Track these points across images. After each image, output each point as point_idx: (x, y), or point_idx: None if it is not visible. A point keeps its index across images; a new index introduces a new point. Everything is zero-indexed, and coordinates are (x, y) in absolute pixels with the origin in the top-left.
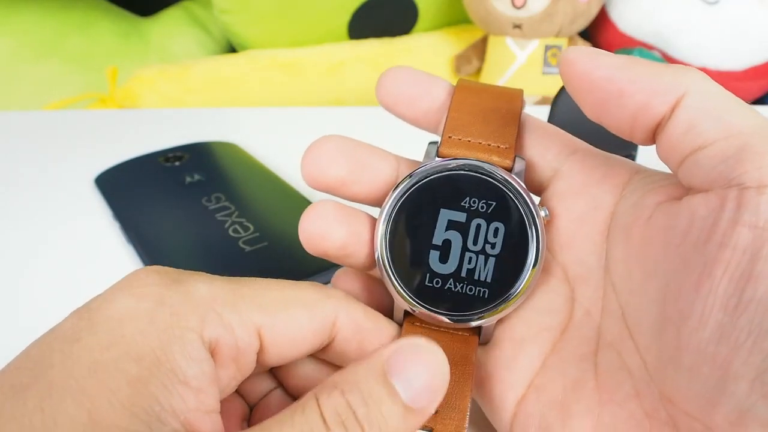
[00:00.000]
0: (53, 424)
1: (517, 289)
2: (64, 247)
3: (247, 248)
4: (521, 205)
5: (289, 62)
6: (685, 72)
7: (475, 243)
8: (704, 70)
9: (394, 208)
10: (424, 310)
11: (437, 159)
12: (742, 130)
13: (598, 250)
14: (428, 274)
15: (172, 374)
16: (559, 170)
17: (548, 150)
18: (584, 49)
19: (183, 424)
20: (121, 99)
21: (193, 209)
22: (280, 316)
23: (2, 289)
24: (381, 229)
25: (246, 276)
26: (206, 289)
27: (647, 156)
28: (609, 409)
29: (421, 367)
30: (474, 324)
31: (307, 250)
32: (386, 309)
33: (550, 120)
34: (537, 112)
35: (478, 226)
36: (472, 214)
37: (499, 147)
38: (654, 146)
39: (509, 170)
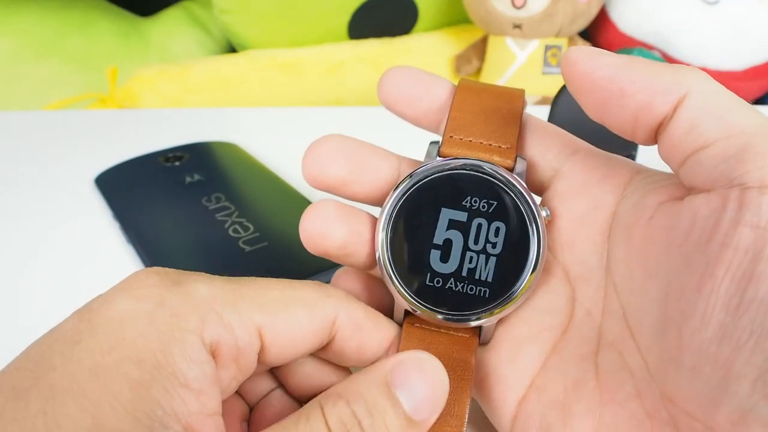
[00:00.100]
0: (56, 426)
1: (518, 289)
2: (64, 247)
3: (247, 248)
4: (522, 205)
5: (289, 62)
6: (686, 72)
7: (476, 242)
8: (704, 70)
9: (394, 207)
10: (425, 310)
11: (438, 159)
12: (743, 130)
13: (599, 250)
14: (429, 274)
15: (173, 377)
16: (560, 170)
17: (549, 150)
18: (586, 49)
19: (185, 427)
20: (121, 99)
21: (193, 209)
22: (280, 316)
23: (2, 289)
24: (382, 228)
25: (246, 276)
26: (206, 290)
27: (647, 156)
28: (610, 409)
29: (423, 380)
30: (474, 324)
31: (308, 249)
32: (387, 309)
33: (550, 120)
34: (537, 112)
35: (479, 226)
36: (473, 214)
37: (500, 147)
38: (654, 146)
39: (510, 170)
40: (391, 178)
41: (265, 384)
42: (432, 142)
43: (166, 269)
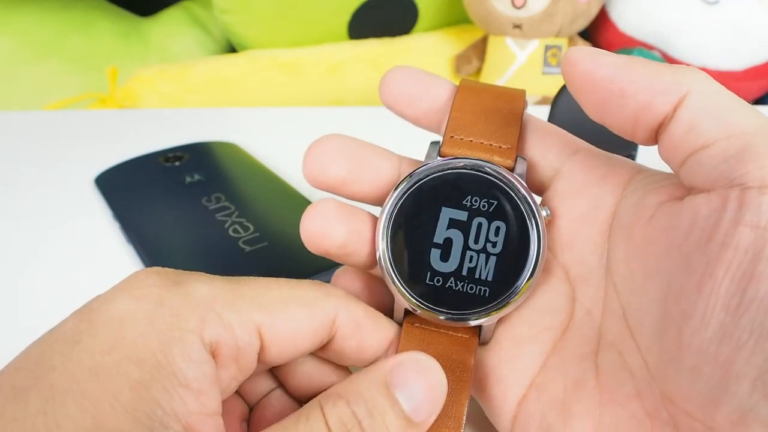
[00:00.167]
0: (56, 426)
1: (518, 288)
2: (64, 247)
3: (247, 248)
4: (523, 205)
5: (289, 62)
6: (687, 72)
7: (476, 242)
8: (704, 70)
9: (395, 206)
10: (425, 309)
11: (439, 158)
12: (744, 130)
13: (599, 249)
14: (429, 273)
15: (173, 377)
16: (561, 170)
17: (549, 150)
18: (586, 49)
19: (185, 427)
20: (121, 99)
21: (193, 209)
22: (280, 315)
23: (2, 289)
24: (382, 227)
25: (246, 276)
26: (206, 290)
27: (647, 156)
28: (610, 409)
29: (421, 381)
30: (474, 323)
31: (309, 248)
32: (386, 308)
33: (550, 120)
34: (537, 112)
35: (480, 225)
36: (473, 213)
37: (500, 147)
38: (654, 146)
39: (511, 170)
40: (392, 178)
41: (265, 384)
42: (433, 142)
43: (166, 269)
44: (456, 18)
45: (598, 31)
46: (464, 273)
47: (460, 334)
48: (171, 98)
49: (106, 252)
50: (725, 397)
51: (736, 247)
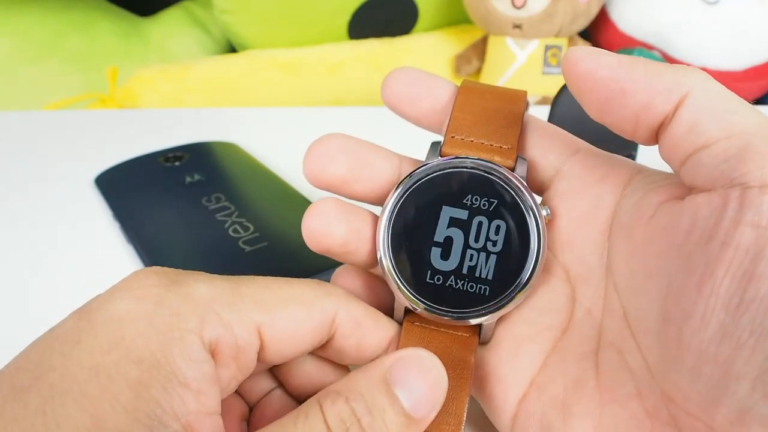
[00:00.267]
0: (55, 426)
1: (518, 287)
2: (64, 247)
3: (247, 248)
4: (523, 204)
5: (289, 62)
6: (687, 71)
7: (476, 240)
8: (704, 70)
9: (396, 205)
10: (425, 307)
11: (440, 158)
12: (744, 130)
13: (600, 249)
14: (429, 271)
15: (173, 376)
16: (561, 170)
17: (550, 150)
18: (587, 49)
19: (184, 426)
20: (121, 99)
21: (193, 209)
22: (279, 314)
23: (2, 289)
24: (383, 225)
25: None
26: (206, 289)
27: (647, 156)
28: (610, 408)
29: (422, 377)
30: (474, 321)
31: (310, 246)
32: (387, 307)
33: (550, 120)
34: (537, 112)
35: (480, 224)
36: (474, 212)
37: (501, 147)
38: (654, 146)
39: (511, 170)
40: (392, 178)
41: (265, 383)
42: (433, 143)
43: (165, 269)
44: (456, 18)
45: (598, 31)
46: (464, 271)
47: (460, 333)
48: (171, 98)
49: (106, 252)
50: (725, 396)
51: (736, 246)
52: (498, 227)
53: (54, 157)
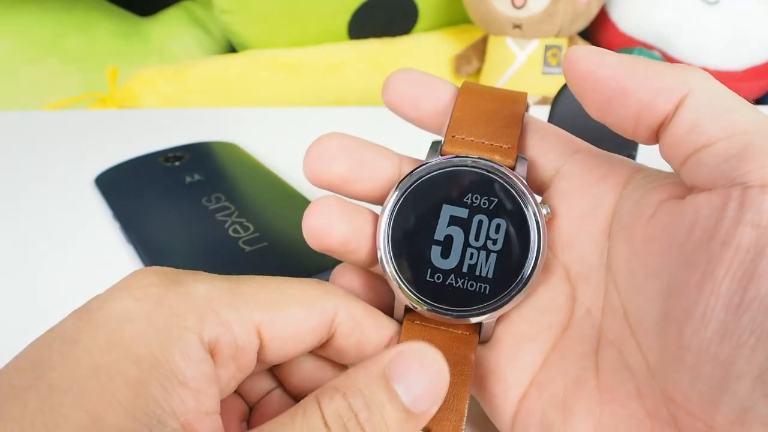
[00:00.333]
0: (55, 426)
1: (518, 286)
2: (64, 247)
3: (247, 248)
4: (523, 202)
5: (289, 62)
6: (688, 71)
7: (476, 239)
8: (704, 70)
9: (396, 203)
10: (425, 306)
11: (440, 157)
12: (745, 129)
13: (600, 248)
14: (430, 270)
15: (172, 376)
16: (561, 170)
17: (550, 150)
18: (587, 48)
19: (183, 425)
20: (121, 99)
21: (193, 209)
22: (279, 314)
23: (2, 289)
24: (383, 224)
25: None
26: (205, 289)
27: (647, 156)
28: (610, 408)
29: (422, 372)
30: (474, 320)
31: (311, 245)
32: (386, 306)
33: (550, 120)
34: (537, 112)
35: (480, 222)
36: (474, 210)
37: (501, 147)
38: (654, 146)
39: (512, 169)
40: (393, 177)
41: (265, 383)
42: (434, 142)
43: (165, 268)
44: (456, 18)
45: (598, 31)
46: (465, 270)
47: (460, 332)
48: (171, 98)
49: (106, 252)
50: (726, 396)
51: (737, 246)
52: (498, 226)
53: (54, 157)
